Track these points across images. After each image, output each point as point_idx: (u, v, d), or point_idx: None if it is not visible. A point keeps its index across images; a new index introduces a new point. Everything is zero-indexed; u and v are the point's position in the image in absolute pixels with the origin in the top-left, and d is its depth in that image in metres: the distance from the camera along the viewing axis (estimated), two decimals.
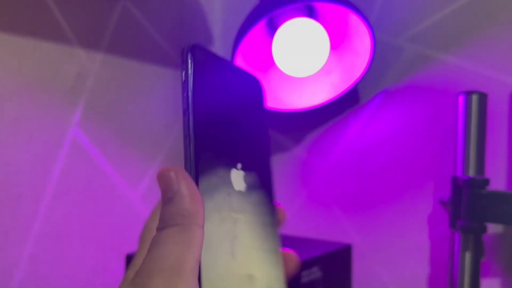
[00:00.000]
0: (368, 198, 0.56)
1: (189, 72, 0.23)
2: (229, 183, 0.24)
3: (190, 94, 0.23)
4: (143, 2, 0.59)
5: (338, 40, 0.54)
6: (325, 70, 0.54)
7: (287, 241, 0.29)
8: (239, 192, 0.25)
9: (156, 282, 0.19)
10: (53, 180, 0.56)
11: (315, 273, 0.48)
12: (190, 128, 0.23)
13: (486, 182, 0.46)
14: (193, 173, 0.23)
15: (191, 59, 0.23)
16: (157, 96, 0.60)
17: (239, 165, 0.25)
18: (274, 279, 0.25)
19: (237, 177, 0.25)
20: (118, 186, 0.59)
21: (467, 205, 0.46)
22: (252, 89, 0.28)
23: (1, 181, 0.53)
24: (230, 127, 0.25)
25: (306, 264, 0.46)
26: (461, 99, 0.49)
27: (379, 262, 0.56)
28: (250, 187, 0.25)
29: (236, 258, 0.24)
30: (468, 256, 0.47)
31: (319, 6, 0.53)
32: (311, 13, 0.53)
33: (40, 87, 0.55)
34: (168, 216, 0.21)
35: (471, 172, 0.48)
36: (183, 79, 0.23)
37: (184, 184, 0.21)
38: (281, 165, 0.60)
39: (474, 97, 0.48)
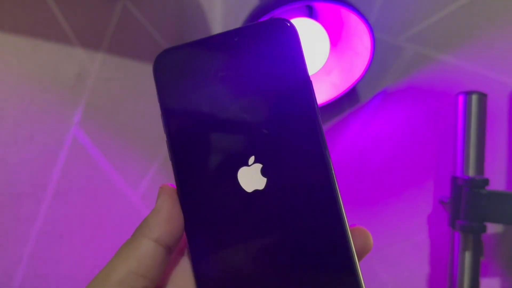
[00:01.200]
0: (368, 198, 0.56)
1: (157, 88, 0.22)
2: (233, 187, 0.21)
3: (161, 111, 0.22)
4: (143, 2, 0.59)
5: (338, 40, 0.54)
6: (325, 70, 0.54)
7: None
8: (255, 192, 0.21)
9: None
10: (54, 180, 0.56)
11: None
12: (168, 142, 0.22)
13: (486, 182, 0.46)
14: (178, 187, 0.22)
15: (154, 73, 0.22)
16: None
17: (251, 159, 0.21)
18: None
19: (250, 175, 0.21)
20: (118, 186, 0.59)
21: (466, 205, 0.46)
22: (263, 48, 0.22)
23: (2, 180, 0.53)
24: (226, 119, 0.21)
25: None
26: (460, 99, 0.49)
27: (379, 261, 0.56)
28: (276, 179, 0.21)
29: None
30: (467, 256, 0.47)
31: (319, 6, 0.53)
32: (311, 13, 0.53)
33: (40, 87, 0.55)
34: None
35: (471, 172, 0.48)
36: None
37: (159, 199, 0.21)
38: None
39: (474, 97, 0.48)
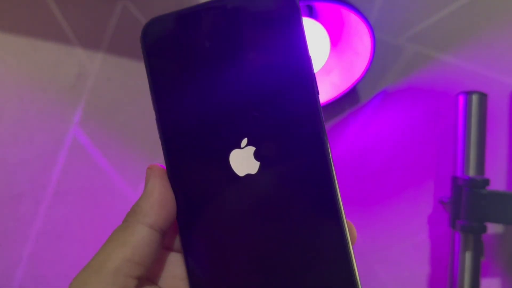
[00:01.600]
0: (368, 198, 0.56)
1: (145, 61, 0.20)
2: (225, 171, 0.20)
3: (150, 88, 0.21)
4: (143, 2, 0.59)
5: (338, 40, 0.54)
6: (325, 70, 0.54)
7: None
8: (247, 176, 0.19)
9: (77, 278, 0.19)
10: (53, 180, 0.56)
11: None
12: (158, 121, 0.21)
13: (486, 182, 0.46)
14: (168, 170, 0.21)
15: (142, 44, 0.21)
16: None
17: (244, 142, 0.20)
18: None
19: (242, 159, 0.19)
20: (118, 186, 0.58)
21: (467, 205, 0.46)
22: (259, 18, 0.20)
23: (1, 180, 0.53)
24: (218, 97, 0.20)
25: None
26: (461, 99, 0.49)
27: (379, 261, 0.56)
28: (270, 163, 0.19)
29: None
30: (468, 256, 0.47)
31: (319, 6, 0.53)
32: (311, 13, 0.53)
33: (40, 87, 0.55)
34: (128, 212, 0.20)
35: (471, 172, 0.48)
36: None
37: (150, 182, 0.20)
38: None
39: (474, 97, 0.48)
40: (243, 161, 0.19)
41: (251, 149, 0.19)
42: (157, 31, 0.20)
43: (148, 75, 0.21)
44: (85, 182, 0.57)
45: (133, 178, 0.60)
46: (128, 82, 0.59)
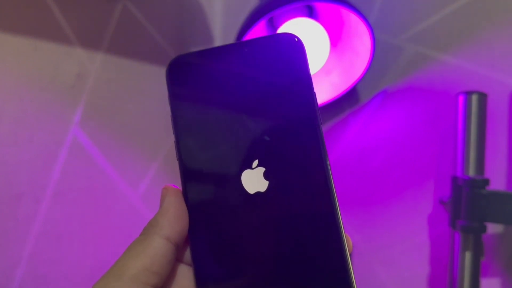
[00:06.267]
0: (368, 198, 0.56)
1: (168, 91, 0.24)
2: (237, 188, 0.22)
3: (171, 114, 0.23)
4: (143, 2, 0.59)
5: (338, 40, 0.54)
6: (324, 70, 0.54)
7: None
8: (257, 194, 0.22)
9: (97, 284, 0.20)
10: (53, 180, 0.56)
11: None
12: (176, 145, 0.23)
13: (486, 182, 0.46)
14: (183, 187, 0.23)
15: (167, 77, 0.24)
16: (157, 96, 0.60)
17: (255, 163, 0.22)
18: None
19: (253, 178, 0.22)
20: (118, 186, 0.59)
21: (467, 205, 0.46)
22: (271, 60, 0.23)
23: (1, 181, 0.53)
24: (233, 124, 0.23)
25: None
26: (461, 99, 0.49)
27: (379, 261, 0.56)
28: (278, 182, 0.22)
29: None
30: (468, 256, 0.47)
31: (319, 6, 0.53)
32: (311, 13, 0.53)
33: (40, 87, 0.55)
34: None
35: (471, 172, 0.48)
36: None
37: (166, 199, 0.22)
38: None
39: (474, 97, 0.48)
40: (254, 180, 0.22)
41: (261, 169, 0.22)
42: (181, 67, 0.24)
43: (170, 104, 0.24)
44: (85, 182, 0.57)
45: (133, 178, 0.59)
46: (128, 82, 0.59)
